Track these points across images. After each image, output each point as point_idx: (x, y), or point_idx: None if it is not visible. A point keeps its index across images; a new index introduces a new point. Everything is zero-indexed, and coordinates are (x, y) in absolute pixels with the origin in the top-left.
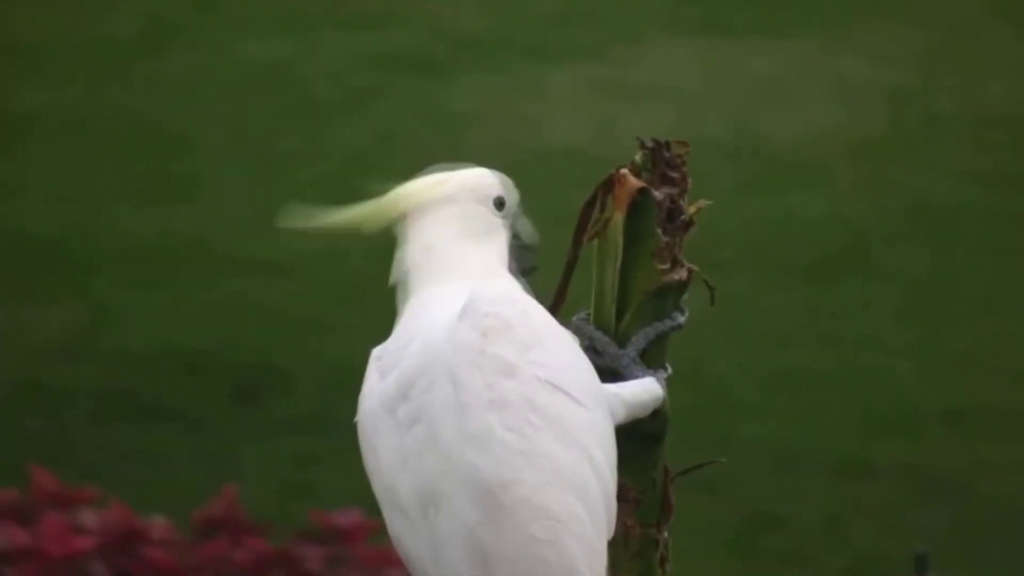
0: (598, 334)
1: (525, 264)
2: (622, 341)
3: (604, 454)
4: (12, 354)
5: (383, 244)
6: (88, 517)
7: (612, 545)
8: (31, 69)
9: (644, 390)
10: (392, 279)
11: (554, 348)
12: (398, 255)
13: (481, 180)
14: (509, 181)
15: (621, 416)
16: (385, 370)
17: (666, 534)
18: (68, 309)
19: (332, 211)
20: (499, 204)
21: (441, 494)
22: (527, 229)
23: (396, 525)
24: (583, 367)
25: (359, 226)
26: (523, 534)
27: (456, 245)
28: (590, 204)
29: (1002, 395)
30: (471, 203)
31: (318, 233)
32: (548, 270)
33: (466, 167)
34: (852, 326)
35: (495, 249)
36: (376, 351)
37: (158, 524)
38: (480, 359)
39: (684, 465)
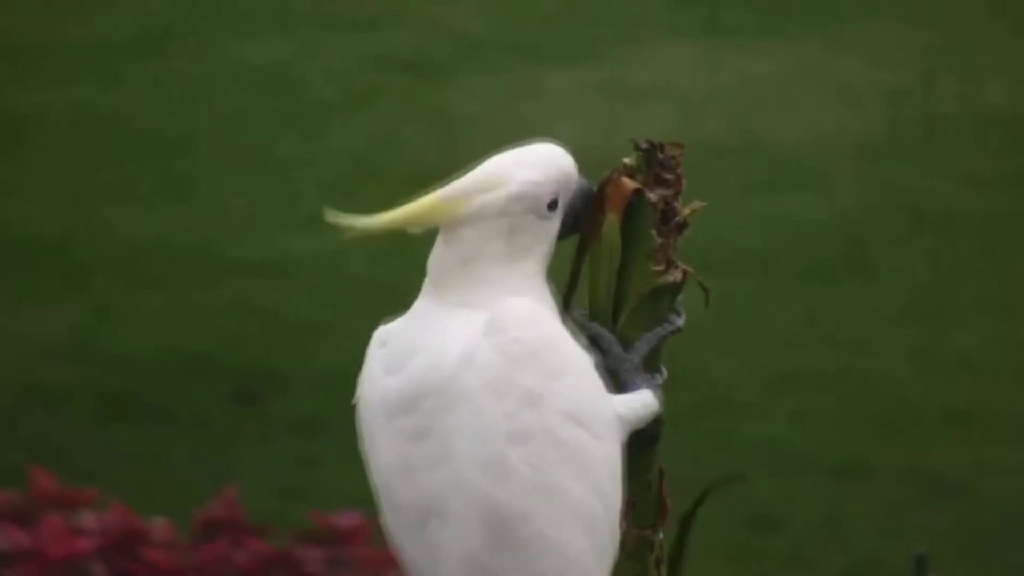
0: (603, 331)
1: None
2: (622, 344)
3: (614, 488)
4: (12, 355)
5: (384, 246)
6: (88, 518)
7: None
8: (31, 69)
9: (644, 405)
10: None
11: (577, 377)
12: (435, 250)
13: (536, 189)
14: (563, 163)
15: (623, 438)
16: (389, 365)
17: (661, 535)
18: (68, 310)
19: (378, 212)
20: (553, 205)
21: (447, 510)
22: (583, 194)
23: (391, 521)
24: (601, 396)
25: (405, 228)
26: (533, 568)
27: (497, 265)
28: (591, 213)
29: (1002, 396)
30: (522, 215)
31: (362, 234)
32: (550, 273)
33: (529, 148)
34: (852, 328)
35: (538, 258)
36: (381, 333)
37: (158, 525)
38: (503, 386)
39: (683, 467)
